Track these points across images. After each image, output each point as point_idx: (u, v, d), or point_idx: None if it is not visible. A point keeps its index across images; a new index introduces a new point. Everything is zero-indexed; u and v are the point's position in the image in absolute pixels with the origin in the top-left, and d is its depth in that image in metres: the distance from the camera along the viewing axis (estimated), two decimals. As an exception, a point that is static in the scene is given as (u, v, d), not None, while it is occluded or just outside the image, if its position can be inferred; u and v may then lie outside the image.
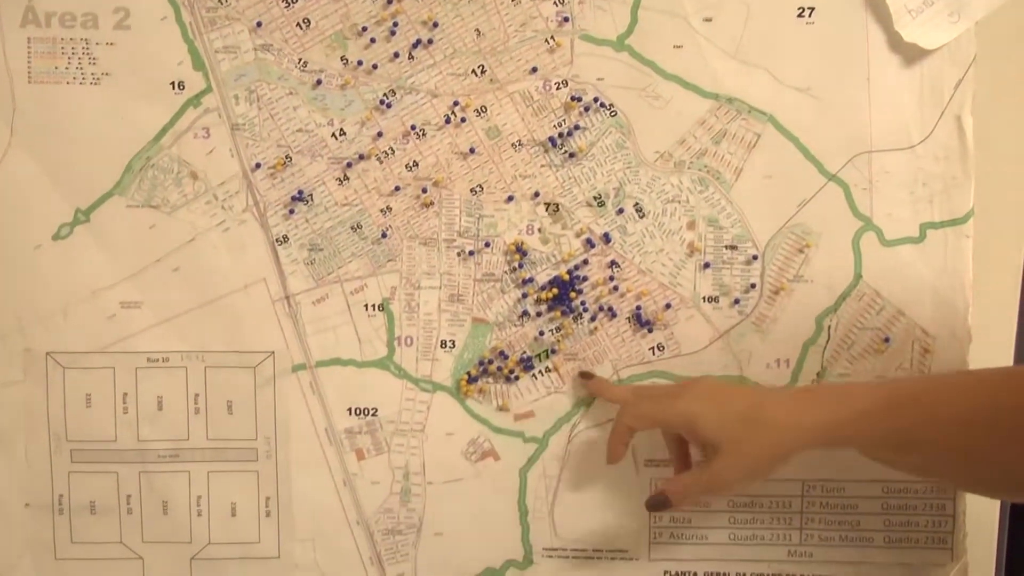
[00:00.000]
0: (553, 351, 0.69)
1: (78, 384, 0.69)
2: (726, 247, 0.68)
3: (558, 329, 0.69)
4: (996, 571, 0.71)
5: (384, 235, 0.68)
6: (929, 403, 0.57)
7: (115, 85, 0.67)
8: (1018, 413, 0.53)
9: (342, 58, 0.67)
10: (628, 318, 0.69)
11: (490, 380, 0.69)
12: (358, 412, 0.69)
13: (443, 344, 0.69)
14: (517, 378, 0.69)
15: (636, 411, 0.64)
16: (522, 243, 0.68)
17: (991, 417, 0.54)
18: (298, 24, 0.66)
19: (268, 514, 0.70)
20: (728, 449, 0.59)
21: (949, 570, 0.70)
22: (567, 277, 0.68)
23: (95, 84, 0.66)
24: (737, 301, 0.69)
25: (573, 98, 0.67)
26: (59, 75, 0.66)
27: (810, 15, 0.66)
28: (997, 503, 0.71)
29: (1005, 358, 0.69)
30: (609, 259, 0.68)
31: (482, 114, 0.68)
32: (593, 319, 0.69)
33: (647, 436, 0.69)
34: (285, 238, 0.68)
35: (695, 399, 0.61)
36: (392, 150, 0.68)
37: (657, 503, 0.62)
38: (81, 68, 0.66)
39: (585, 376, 0.69)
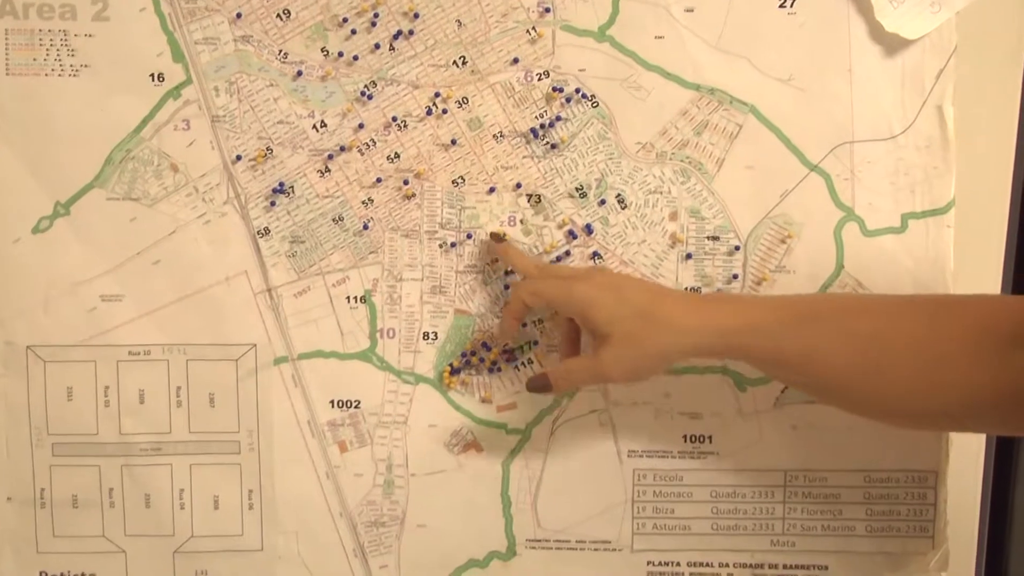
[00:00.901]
0: (535, 343, 0.69)
1: (59, 377, 0.68)
2: (708, 238, 0.68)
3: (540, 321, 0.69)
4: (977, 559, 0.71)
5: (366, 227, 0.68)
6: (831, 321, 0.57)
7: (94, 77, 0.66)
8: (938, 338, 0.55)
9: (323, 49, 0.67)
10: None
11: (473, 372, 0.69)
12: (340, 404, 0.69)
13: (425, 336, 0.69)
14: (499, 370, 0.69)
15: (534, 287, 0.62)
16: (504, 234, 0.68)
17: (902, 341, 0.55)
18: (278, 15, 0.66)
19: (251, 507, 0.70)
20: (618, 341, 0.59)
21: (930, 558, 0.70)
22: (549, 268, 0.68)
23: (74, 76, 0.66)
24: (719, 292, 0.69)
25: (555, 89, 0.67)
26: (37, 67, 0.66)
27: (792, 5, 0.66)
28: (979, 492, 0.71)
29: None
30: (591, 250, 0.68)
31: (463, 105, 0.67)
32: (575, 310, 0.69)
33: (631, 426, 0.69)
34: (266, 230, 0.68)
35: (595, 286, 0.60)
36: (373, 142, 0.68)
37: (538, 385, 0.62)
38: (60, 60, 0.66)
39: (495, 238, 0.67)
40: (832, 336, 0.57)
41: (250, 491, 0.70)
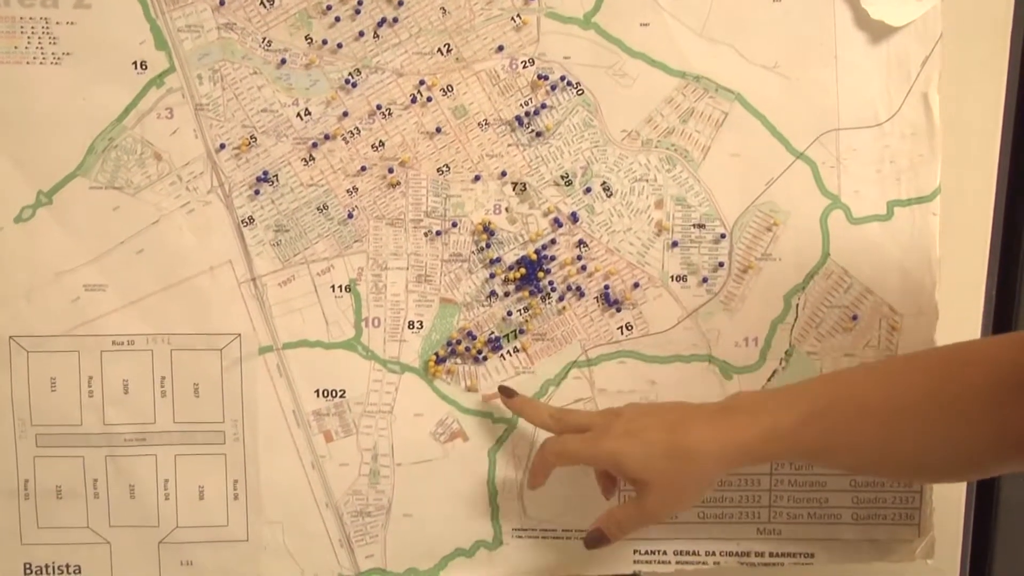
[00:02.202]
0: (521, 331, 0.69)
1: (42, 368, 0.68)
2: (694, 226, 0.68)
3: (526, 309, 0.69)
4: (963, 547, 0.71)
5: (350, 216, 0.68)
6: (843, 406, 0.58)
7: (76, 65, 0.66)
8: (950, 396, 0.55)
9: (307, 37, 0.66)
10: (596, 298, 0.69)
11: (458, 361, 0.69)
12: (326, 394, 0.69)
13: (411, 325, 0.69)
14: (485, 359, 0.69)
15: (560, 449, 0.63)
16: (489, 223, 0.68)
17: (916, 406, 0.56)
18: (261, 3, 0.66)
19: (236, 497, 0.69)
20: (655, 485, 0.60)
21: (916, 546, 0.70)
22: (535, 257, 0.68)
23: (56, 64, 0.65)
24: (705, 280, 0.69)
25: (540, 76, 0.67)
26: (19, 55, 0.65)
27: (777, -8, 0.66)
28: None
29: (972, 334, 0.70)
30: (577, 238, 0.68)
31: (448, 93, 0.67)
32: (561, 299, 0.69)
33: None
34: (251, 219, 0.68)
35: (617, 438, 0.61)
36: (358, 130, 0.67)
37: (595, 539, 0.63)
38: (41, 48, 0.65)
39: (505, 392, 0.67)
40: (848, 423, 0.58)
41: (235, 481, 0.69)
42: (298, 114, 0.67)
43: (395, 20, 0.66)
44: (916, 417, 0.56)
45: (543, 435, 0.69)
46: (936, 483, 0.68)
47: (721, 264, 0.68)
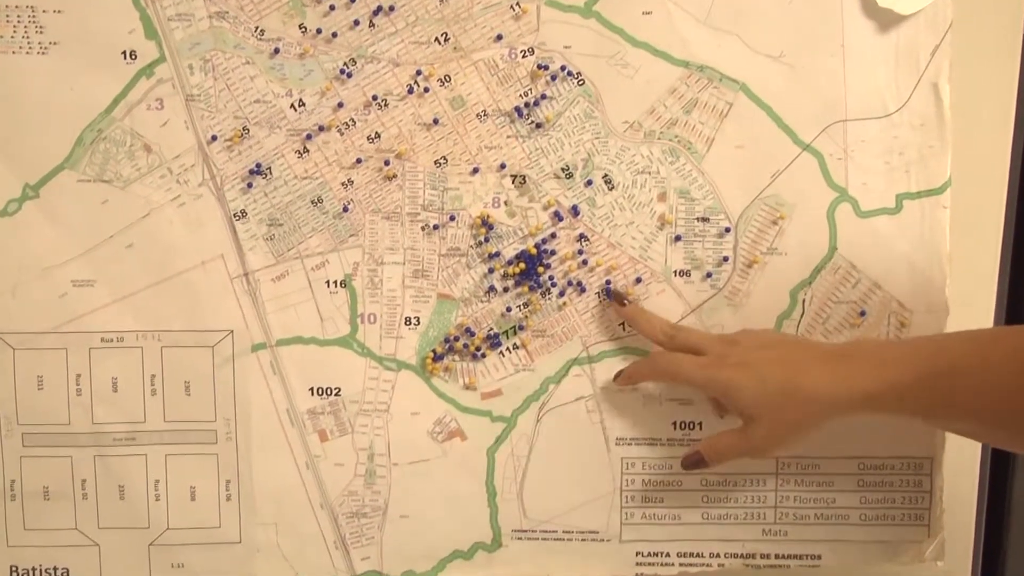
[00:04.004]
0: (521, 327, 0.67)
1: (29, 365, 0.66)
2: (698, 219, 0.67)
3: (526, 305, 0.67)
4: (974, 548, 0.70)
5: (345, 209, 0.66)
6: (973, 370, 0.55)
7: (64, 55, 0.64)
8: None
9: (300, 26, 0.65)
10: (598, 293, 0.67)
11: (456, 358, 0.68)
12: (320, 392, 0.67)
13: (407, 321, 0.67)
14: (484, 355, 0.67)
15: (674, 369, 0.63)
16: (488, 216, 0.66)
17: None
18: (254, -10, 0.64)
19: (228, 498, 0.68)
20: (765, 420, 0.59)
21: (926, 547, 0.68)
22: (535, 251, 0.66)
23: (43, 54, 0.64)
24: (709, 275, 0.67)
25: (539, 66, 0.65)
26: (4, 44, 0.64)
27: (782, -21, 0.65)
28: (976, 479, 0.70)
29: (983, 331, 0.68)
30: (578, 232, 0.67)
31: (446, 83, 0.65)
32: (562, 294, 0.67)
33: (619, 413, 0.68)
34: (243, 213, 0.66)
35: (733, 367, 0.60)
36: (353, 121, 0.66)
37: (693, 462, 0.63)
38: (28, 37, 0.64)
39: (619, 299, 0.66)
40: (974, 384, 0.55)
41: (227, 482, 0.68)
42: (292, 105, 0.65)
43: (391, 8, 0.65)
44: None
45: (543, 434, 0.68)
46: None
47: (725, 258, 0.67)
